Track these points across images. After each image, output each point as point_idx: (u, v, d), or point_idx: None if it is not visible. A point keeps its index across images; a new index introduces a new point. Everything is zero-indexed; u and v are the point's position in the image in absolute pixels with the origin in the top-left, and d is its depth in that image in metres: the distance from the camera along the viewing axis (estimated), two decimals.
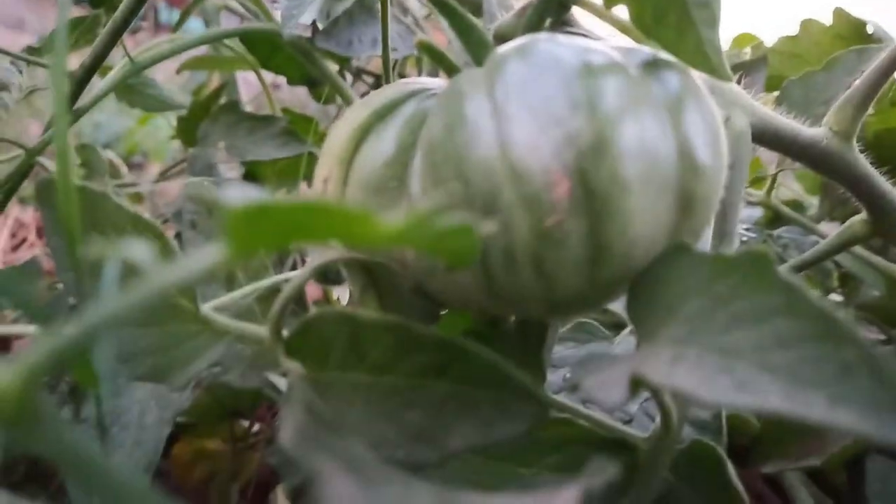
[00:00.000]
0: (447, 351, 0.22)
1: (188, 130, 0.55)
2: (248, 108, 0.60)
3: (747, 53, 0.56)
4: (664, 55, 0.26)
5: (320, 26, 0.45)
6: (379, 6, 0.44)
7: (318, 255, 0.28)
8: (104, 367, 0.25)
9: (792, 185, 0.63)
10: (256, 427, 0.59)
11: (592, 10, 0.28)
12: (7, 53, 0.39)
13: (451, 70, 0.27)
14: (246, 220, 0.14)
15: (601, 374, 0.21)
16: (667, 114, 0.23)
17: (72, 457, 0.13)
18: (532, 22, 0.27)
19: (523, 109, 0.22)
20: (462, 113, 0.23)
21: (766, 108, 0.32)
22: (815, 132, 0.33)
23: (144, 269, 0.15)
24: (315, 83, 0.56)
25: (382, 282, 0.30)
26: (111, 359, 0.27)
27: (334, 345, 0.23)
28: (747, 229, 0.46)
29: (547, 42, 0.24)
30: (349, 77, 0.61)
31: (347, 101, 0.47)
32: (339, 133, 0.27)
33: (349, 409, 0.25)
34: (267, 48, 0.52)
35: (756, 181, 0.47)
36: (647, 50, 0.26)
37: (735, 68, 0.49)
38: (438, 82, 0.28)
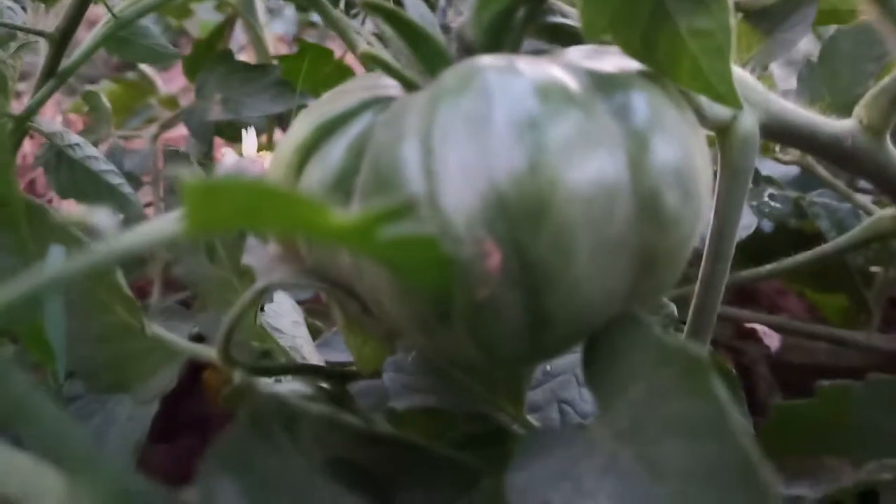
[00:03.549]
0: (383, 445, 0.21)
1: (194, 71, 0.52)
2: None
3: None
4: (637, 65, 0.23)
5: None
6: None
7: (265, 275, 0.27)
8: (57, 344, 0.25)
9: None
10: None
11: (570, 2, 0.25)
12: None
13: (408, 85, 0.24)
14: (203, 196, 0.14)
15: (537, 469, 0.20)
16: (626, 158, 0.20)
17: (24, 411, 0.14)
18: (499, 22, 0.24)
19: (455, 165, 0.19)
20: (394, 157, 0.21)
21: (781, 101, 0.28)
22: (839, 128, 0.29)
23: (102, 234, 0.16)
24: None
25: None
26: (63, 335, 0.27)
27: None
28: (775, 195, 0.42)
29: (495, 74, 0.21)
30: None
31: (339, 32, 0.44)
32: (287, 146, 0.25)
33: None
34: None
35: None
36: (618, 61, 0.23)
37: (778, 6, 0.43)
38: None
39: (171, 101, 0.87)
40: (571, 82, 0.21)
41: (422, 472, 0.23)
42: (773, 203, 0.41)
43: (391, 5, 0.22)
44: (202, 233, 0.17)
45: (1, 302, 0.14)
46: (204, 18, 0.92)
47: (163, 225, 0.15)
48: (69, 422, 0.15)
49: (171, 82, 1.00)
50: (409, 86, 0.24)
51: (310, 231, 0.17)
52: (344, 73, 0.57)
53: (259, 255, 0.26)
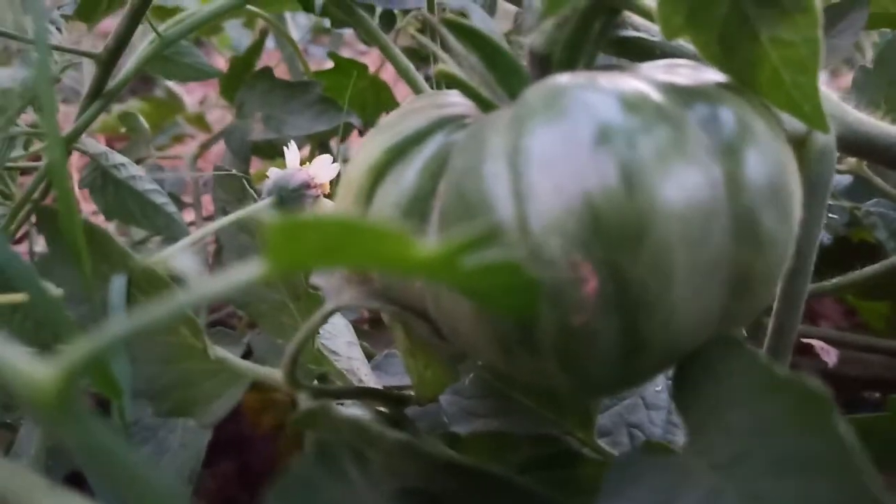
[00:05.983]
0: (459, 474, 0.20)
1: (230, 89, 0.52)
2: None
3: None
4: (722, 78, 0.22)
5: None
6: None
7: (334, 297, 0.26)
8: (124, 379, 0.24)
9: None
10: None
11: (646, 14, 0.24)
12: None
13: (483, 104, 0.23)
14: (286, 235, 0.14)
15: (630, 498, 0.19)
16: (721, 172, 0.19)
17: (101, 454, 0.14)
18: (576, 37, 0.23)
19: (547, 186, 0.19)
20: (479, 180, 0.20)
21: (855, 112, 0.27)
22: None
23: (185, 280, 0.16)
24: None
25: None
26: (129, 371, 0.27)
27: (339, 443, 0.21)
28: (831, 206, 0.41)
29: (582, 91, 0.20)
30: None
31: (382, 49, 0.44)
32: (357, 167, 0.24)
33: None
34: None
35: None
36: (695, 75, 0.22)
37: (827, 11, 0.42)
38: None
39: (199, 119, 0.87)
40: (657, 95, 0.20)
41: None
42: (829, 214, 0.40)
43: (470, 22, 0.22)
44: (286, 272, 0.16)
45: (88, 355, 0.14)
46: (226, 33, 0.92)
47: (243, 270, 0.15)
48: (149, 468, 0.14)
49: (188, 96, 1.00)
50: (486, 105, 0.23)
51: (396, 266, 0.16)
52: (379, 88, 0.57)
53: (328, 276, 0.25)
